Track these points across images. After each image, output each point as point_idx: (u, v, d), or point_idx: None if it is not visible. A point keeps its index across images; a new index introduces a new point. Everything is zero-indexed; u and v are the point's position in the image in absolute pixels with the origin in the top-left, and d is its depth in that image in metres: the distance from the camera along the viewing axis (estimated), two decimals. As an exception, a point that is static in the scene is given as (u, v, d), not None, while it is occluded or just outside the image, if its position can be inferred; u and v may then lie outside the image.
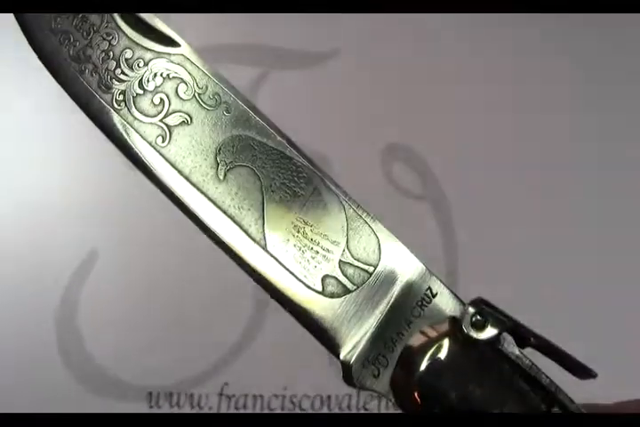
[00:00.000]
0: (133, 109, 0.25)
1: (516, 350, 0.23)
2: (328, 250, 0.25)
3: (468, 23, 0.58)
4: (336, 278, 0.24)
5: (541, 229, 0.55)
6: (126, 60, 0.26)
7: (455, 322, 0.23)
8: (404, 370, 0.23)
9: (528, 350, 0.24)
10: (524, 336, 0.23)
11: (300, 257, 0.25)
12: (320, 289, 0.24)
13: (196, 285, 0.53)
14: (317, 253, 0.25)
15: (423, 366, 0.23)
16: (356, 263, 0.25)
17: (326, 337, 0.24)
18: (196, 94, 0.26)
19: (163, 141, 0.25)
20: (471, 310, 0.23)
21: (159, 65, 0.26)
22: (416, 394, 0.23)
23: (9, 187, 0.55)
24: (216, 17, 0.54)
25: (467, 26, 0.58)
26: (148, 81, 0.26)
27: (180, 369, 0.52)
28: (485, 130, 0.57)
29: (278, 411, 0.51)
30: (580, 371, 0.24)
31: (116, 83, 0.26)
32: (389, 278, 0.24)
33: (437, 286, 0.24)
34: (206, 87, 0.26)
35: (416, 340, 0.24)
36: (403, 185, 0.56)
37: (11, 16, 0.26)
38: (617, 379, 0.36)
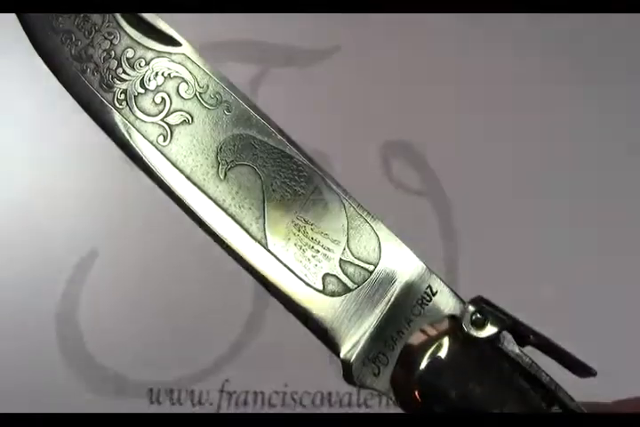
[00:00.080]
0: (135, 109, 0.25)
1: (516, 349, 0.23)
2: (329, 249, 0.25)
3: (468, 23, 0.58)
4: (336, 277, 0.25)
5: (541, 226, 0.55)
6: (128, 59, 0.26)
7: (455, 320, 0.24)
8: (405, 368, 0.24)
9: (528, 349, 0.24)
10: (523, 335, 0.23)
11: (301, 256, 0.25)
12: (320, 288, 0.24)
13: (196, 282, 0.53)
14: (318, 251, 0.25)
15: (423, 365, 0.23)
16: (357, 262, 0.25)
17: (327, 336, 0.24)
18: (197, 93, 0.26)
19: (164, 140, 0.25)
20: (471, 308, 0.23)
21: (160, 64, 0.26)
22: (416, 392, 0.23)
23: (9, 185, 0.55)
24: (215, 14, 0.54)
25: (467, 26, 0.58)
26: (149, 80, 0.26)
27: (180, 366, 0.52)
28: (485, 127, 0.57)
29: (279, 407, 0.51)
30: (580, 369, 0.24)
31: (118, 82, 0.26)
32: (389, 277, 0.25)
33: (437, 285, 0.24)
34: (207, 86, 0.26)
35: (416, 338, 0.24)
36: (402, 182, 0.56)
37: (12, 15, 0.27)
38: (616, 377, 0.36)
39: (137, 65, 0.26)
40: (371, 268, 0.25)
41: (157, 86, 0.26)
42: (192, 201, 0.25)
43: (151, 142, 0.25)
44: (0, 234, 0.54)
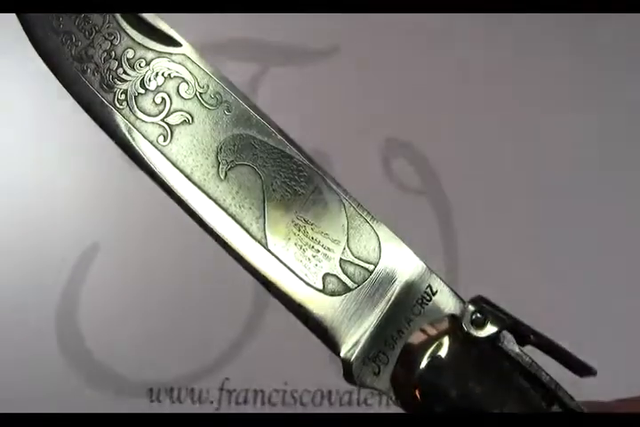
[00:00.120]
0: (135, 109, 0.25)
1: (516, 348, 0.23)
2: (329, 248, 0.25)
3: (468, 23, 0.58)
4: (337, 277, 0.25)
5: (540, 225, 0.55)
6: (128, 59, 0.26)
7: (455, 320, 0.24)
8: (405, 368, 0.24)
9: (528, 348, 0.24)
10: (523, 334, 0.23)
11: (301, 255, 0.25)
12: (321, 287, 0.25)
13: (196, 280, 0.53)
14: (318, 251, 0.25)
15: (423, 364, 0.23)
16: (357, 262, 0.25)
17: (327, 335, 0.24)
18: (198, 93, 0.26)
19: (164, 140, 0.25)
20: (471, 307, 0.23)
21: (161, 64, 0.26)
22: (416, 392, 0.23)
23: (9, 183, 0.55)
24: (215, 14, 0.54)
25: (467, 26, 0.58)
26: (149, 80, 0.26)
27: (180, 364, 0.52)
28: (485, 126, 0.57)
29: (279, 406, 0.51)
30: (580, 368, 0.24)
31: (118, 82, 0.26)
32: (390, 277, 0.25)
33: (437, 284, 0.25)
34: (207, 86, 0.26)
35: (416, 338, 0.24)
36: (402, 181, 0.56)
37: (13, 15, 0.27)
38: (616, 377, 0.36)
39: (137, 65, 0.26)
40: (371, 267, 0.25)
41: (158, 86, 0.26)
42: (192, 201, 0.25)
43: (151, 142, 0.25)
44: (0, 233, 0.54)
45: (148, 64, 0.26)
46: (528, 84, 0.58)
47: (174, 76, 0.26)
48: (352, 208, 0.25)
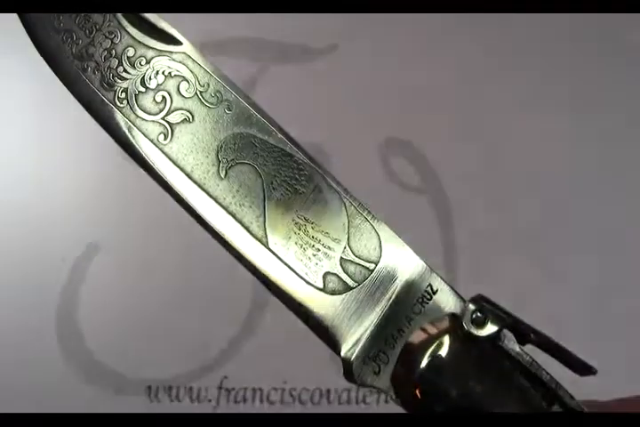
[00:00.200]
0: (135, 107, 0.25)
1: (517, 347, 0.23)
2: (329, 247, 0.25)
3: (468, 23, 0.58)
4: (337, 276, 0.25)
5: (540, 224, 0.55)
6: (128, 58, 0.26)
7: (455, 319, 0.24)
8: (405, 367, 0.24)
9: (528, 347, 0.24)
10: (524, 333, 0.23)
11: (302, 254, 0.25)
12: (321, 286, 0.24)
13: (195, 278, 0.53)
14: (319, 250, 0.25)
15: (424, 363, 0.23)
16: (357, 261, 0.25)
17: (327, 334, 0.24)
18: (198, 92, 0.26)
19: (165, 139, 0.25)
20: (471, 306, 0.23)
21: (161, 63, 0.26)
22: (417, 391, 0.23)
23: (8, 184, 0.55)
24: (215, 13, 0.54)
25: (467, 26, 0.58)
26: (150, 79, 0.26)
27: (179, 363, 0.52)
28: (485, 125, 0.57)
29: (278, 404, 0.51)
30: (580, 367, 0.24)
31: (119, 81, 0.26)
32: (390, 276, 0.25)
33: (438, 283, 0.25)
34: (208, 85, 0.26)
35: (416, 337, 0.24)
36: (402, 180, 0.56)
37: (14, 15, 0.27)
38: (616, 376, 0.36)
39: (138, 64, 0.26)
40: (371, 266, 0.25)
41: (158, 85, 0.26)
42: (193, 199, 0.25)
43: (152, 141, 0.25)
44: (0, 233, 0.54)
45: (148, 62, 0.26)
46: (528, 84, 0.58)
47: (175, 75, 0.26)
48: (353, 207, 0.25)
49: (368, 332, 0.24)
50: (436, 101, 0.57)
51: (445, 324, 0.24)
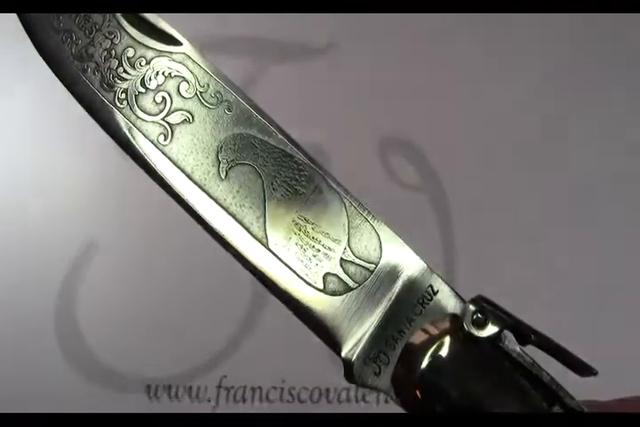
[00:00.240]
0: (135, 108, 0.25)
1: (517, 348, 0.23)
2: (329, 248, 0.25)
3: (468, 23, 0.58)
4: (337, 276, 0.25)
5: (540, 225, 0.55)
6: (128, 58, 0.26)
7: (456, 320, 0.24)
8: (406, 368, 0.24)
9: (529, 348, 0.24)
10: (524, 334, 0.23)
11: (302, 255, 0.25)
12: (321, 287, 0.24)
13: (194, 277, 0.53)
14: (319, 251, 0.25)
15: (424, 364, 0.23)
16: (358, 261, 0.25)
17: (327, 335, 0.24)
18: (198, 93, 0.26)
19: (165, 140, 0.25)
20: (472, 307, 0.23)
21: (161, 63, 0.26)
22: (417, 391, 0.23)
23: (9, 183, 0.55)
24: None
25: (467, 26, 0.58)
26: (149, 79, 0.26)
27: (178, 362, 0.52)
28: (485, 125, 0.57)
29: (277, 403, 0.51)
30: (581, 368, 0.24)
31: (119, 81, 0.26)
32: (390, 276, 0.25)
33: (438, 284, 0.25)
34: (208, 85, 0.26)
35: (417, 337, 0.24)
36: (402, 180, 0.56)
37: (13, 15, 0.27)
38: (617, 377, 0.36)
39: (137, 64, 0.26)
40: (372, 267, 0.25)
41: (158, 85, 0.26)
42: (193, 200, 0.25)
43: (152, 141, 0.25)
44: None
45: (148, 63, 0.26)
46: (528, 84, 0.58)
47: (175, 75, 0.26)
48: (353, 207, 0.25)
49: (368, 332, 0.24)
50: (435, 101, 0.57)
51: (446, 324, 0.24)
